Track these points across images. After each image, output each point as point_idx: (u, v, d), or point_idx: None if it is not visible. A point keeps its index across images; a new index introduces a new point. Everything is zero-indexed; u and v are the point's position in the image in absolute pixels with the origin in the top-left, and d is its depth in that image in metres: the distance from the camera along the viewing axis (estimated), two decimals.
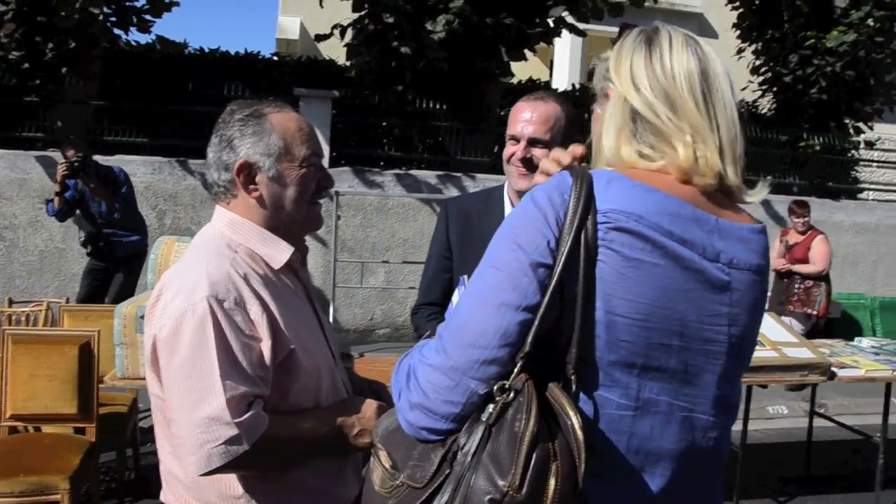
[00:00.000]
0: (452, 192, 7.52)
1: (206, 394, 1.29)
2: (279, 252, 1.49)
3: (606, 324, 1.00)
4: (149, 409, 5.04)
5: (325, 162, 1.47)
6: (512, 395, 0.97)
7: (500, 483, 0.91)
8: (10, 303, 4.54)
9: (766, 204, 8.60)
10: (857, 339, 4.66)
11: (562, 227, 1.01)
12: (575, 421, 0.94)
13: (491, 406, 0.98)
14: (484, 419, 0.97)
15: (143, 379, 3.16)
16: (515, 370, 0.99)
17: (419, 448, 1.03)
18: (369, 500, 1.09)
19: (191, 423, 1.29)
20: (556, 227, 1.01)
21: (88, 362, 3.46)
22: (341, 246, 7.12)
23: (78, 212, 5.54)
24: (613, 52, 1.17)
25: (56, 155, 6.93)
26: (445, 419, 1.01)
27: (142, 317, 3.09)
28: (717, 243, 1.07)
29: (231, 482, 1.40)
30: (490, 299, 1.02)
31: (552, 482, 0.92)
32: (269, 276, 1.46)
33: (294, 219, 1.50)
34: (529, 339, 0.99)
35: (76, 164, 5.23)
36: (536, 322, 0.99)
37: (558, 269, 0.99)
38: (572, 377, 1.01)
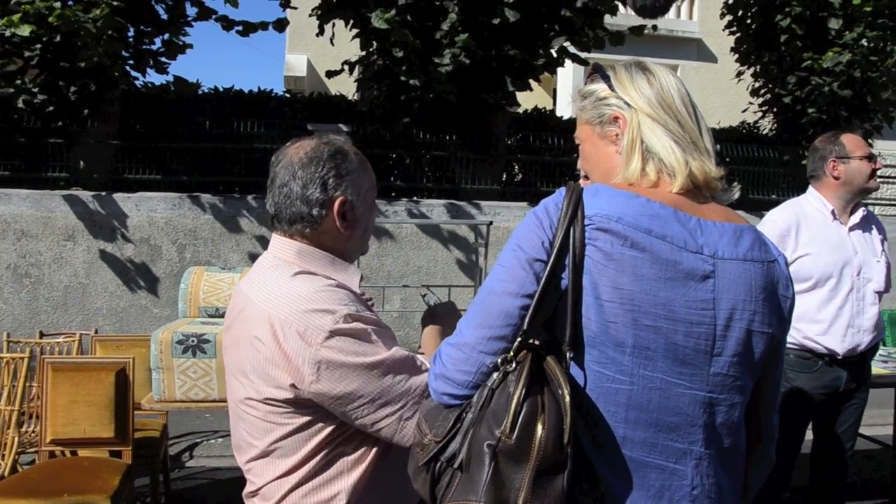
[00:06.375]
0: (462, 220, 7.70)
1: (404, 363, 1.47)
2: (350, 276, 1.59)
3: (596, 308, 1.18)
4: (179, 436, 5.11)
5: None
6: (513, 365, 1.16)
7: (496, 431, 1.11)
8: (42, 335, 4.72)
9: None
10: None
11: (555, 230, 1.21)
12: (564, 386, 1.12)
13: (496, 374, 1.18)
14: (489, 384, 1.17)
15: (180, 402, 3.32)
16: (516, 346, 1.18)
17: (444, 412, 1.23)
18: (411, 459, 1.28)
19: (405, 393, 1.45)
20: (551, 230, 1.21)
21: (124, 388, 3.61)
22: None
23: None
24: (615, 81, 1.34)
25: (80, 193, 7.16)
26: (461, 386, 1.22)
27: (178, 342, 3.24)
28: (699, 238, 1.23)
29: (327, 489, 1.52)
30: (496, 289, 1.23)
31: (539, 429, 1.10)
32: (351, 291, 1.57)
33: (360, 246, 1.65)
34: (527, 320, 1.19)
35: None
36: (533, 305, 1.19)
37: (550, 263, 1.19)
38: (567, 353, 1.19)
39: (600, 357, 1.19)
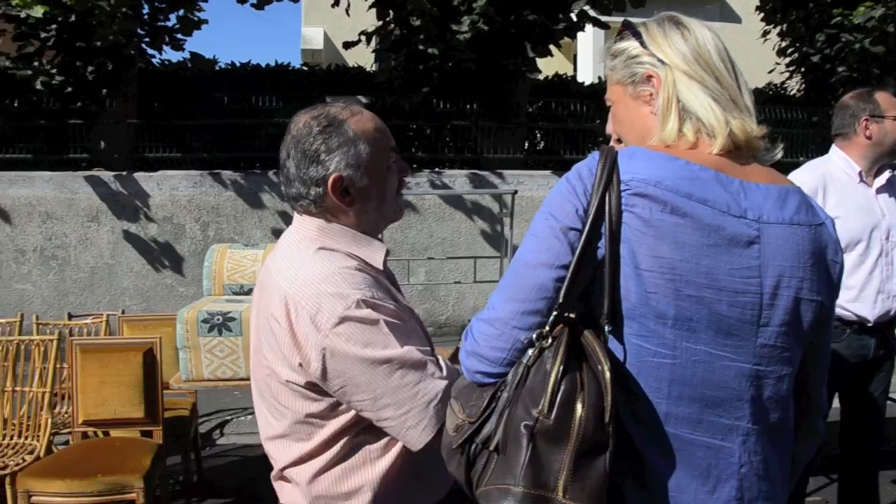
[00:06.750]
0: (486, 189, 7.61)
1: (414, 366, 1.37)
2: (374, 251, 1.51)
3: (635, 278, 1.11)
4: (208, 414, 5.09)
5: None
6: (549, 341, 1.10)
7: (533, 411, 1.06)
8: (70, 317, 4.73)
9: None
10: None
11: (589, 196, 1.14)
12: (604, 361, 1.07)
13: (531, 351, 1.11)
14: (524, 361, 1.11)
15: (207, 381, 3.30)
16: (552, 320, 1.11)
17: (477, 391, 1.18)
18: (444, 441, 1.24)
19: (411, 398, 1.37)
20: (585, 197, 1.14)
21: (152, 368, 3.61)
22: None
23: None
24: (648, 37, 1.26)
25: (102, 174, 7.17)
26: (494, 363, 1.16)
27: (203, 321, 3.22)
28: (743, 202, 1.15)
29: (354, 478, 1.46)
30: (529, 261, 1.16)
31: (579, 408, 1.05)
32: (370, 273, 1.49)
33: (383, 216, 1.55)
34: (563, 292, 1.12)
35: None
36: (568, 277, 1.12)
37: (586, 231, 1.12)
38: (605, 326, 1.13)
39: (641, 330, 1.12)
